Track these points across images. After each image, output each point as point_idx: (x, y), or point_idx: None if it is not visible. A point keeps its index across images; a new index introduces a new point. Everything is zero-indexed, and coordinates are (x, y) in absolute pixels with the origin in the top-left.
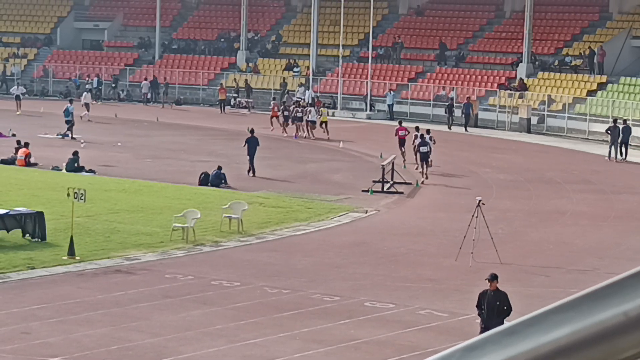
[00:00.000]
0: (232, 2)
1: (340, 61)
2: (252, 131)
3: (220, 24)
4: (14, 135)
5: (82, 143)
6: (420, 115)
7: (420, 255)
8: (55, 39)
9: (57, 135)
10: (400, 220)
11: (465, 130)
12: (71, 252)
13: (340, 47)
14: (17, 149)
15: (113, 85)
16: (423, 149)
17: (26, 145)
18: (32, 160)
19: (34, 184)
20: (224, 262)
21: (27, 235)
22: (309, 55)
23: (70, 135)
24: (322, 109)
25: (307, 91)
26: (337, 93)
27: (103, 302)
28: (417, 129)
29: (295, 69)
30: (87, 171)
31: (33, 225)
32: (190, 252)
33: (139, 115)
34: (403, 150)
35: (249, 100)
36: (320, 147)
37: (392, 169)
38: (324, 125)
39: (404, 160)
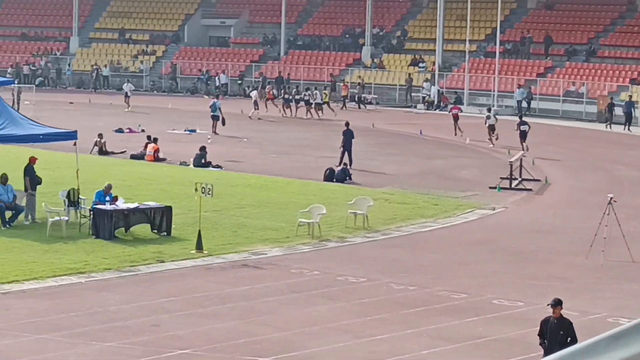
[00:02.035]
0: None
1: (467, 56)
2: (347, 124)
3: (345, 19)
4: (143, 131)
5: (209, 139)
6: (549, 111)
7: (549, 252)
8: (183, 36)
9: (185, 130)
10: (528, 218)
11: (628, 129)
12: (199, 246)
13: (467, 42)
14: (146, 145)
15: (239, 81)
16: (523, 127)
17: (155, 140)
18: (161, 155)
19: (162, 179)
20: (350, 258)
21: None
22: (434, 50)
23: (213, 130)
24: (324, 91)
25: (432, 87)
26: (463, 89)
27: (231, 295)
28: (488, 109)
29: (420, 65)
30: (214, 166)
31: (161, 219)
32: (316, 247)
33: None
34: (457, 126)
35: (374, 96)
36: (447, 143)
37: (521, 166)
38: (326, 105)
39: (458, 134)
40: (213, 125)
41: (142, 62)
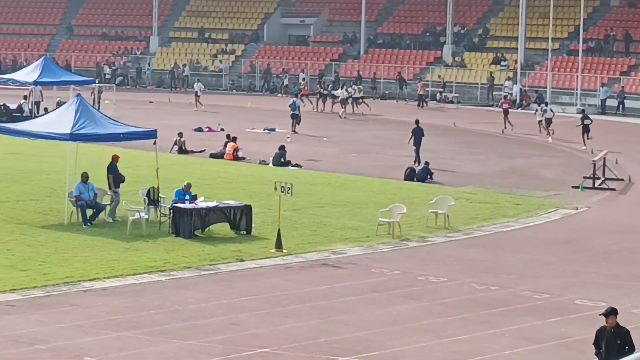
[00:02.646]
0: None
1: (550, 55)
2: (417, 122)
3: (426, 17)
4: (222, 129)
5: (288, 138)
6: (633, 110)
7: (633, 253)
8: (262, 35)
9: (265, 129)
10: (612, 217)
11: None
12: (279, 245)
13: (550, 40)
14: (225, 143)
15: (318, 80)
16: (586, 121)
17: (234, 139)
18: (240, 154)
19: (242, 178)
20: (431, 258)
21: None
22: (516, 48)
23: (293, 129)
24: (359, 86)
25: (514, 85)
26: (546, 87)
27: (310, 295)
28: (545, 104)
29: (502, 63)
30: (293, 165)
31: (240, 218)
32: (397, 247)
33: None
34: (507, 120)
35: (455, 95)
36: (529, 142)
37: (604, 165)
38: (361, 99)
39: (508, 128)
40: (292, 124)
41: (221, 61)
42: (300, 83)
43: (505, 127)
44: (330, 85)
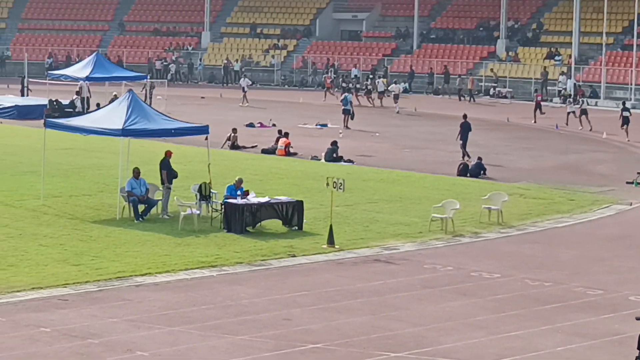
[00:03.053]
0: None
1: (604, 49)
2: (464, 116)
3: (479, 12)
4: (274, 125)
5: (340, 133)
6: None
7: None
8: (314, 30)
9: (316, 125)
10: None
11: None
12: (331, 241)
13: (604, 35)
14: (277, 139)
15: (370, 76)
16: (625, 113)
17: (286, 135)
18: (292, 150)
19: (293, 173)
20: (484, 254)
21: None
22: (570, 43)
23: (345, 124)
24: (382, 79)
25: (569, 80)
26: (600, 82)
27: (363, 290)
28: (582, 94)
29: (556, 58)
30: (345, 161)
31: (292, 213)
32: (450, 242)
33: (416, 105)
34: (538, 111)
35: (509, 89)
36: (582, 137)
37: None
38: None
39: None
40: (344, 119)
41: (273, 56)
42: (324, 76)
43: (534, 121)
44: (354, 79)
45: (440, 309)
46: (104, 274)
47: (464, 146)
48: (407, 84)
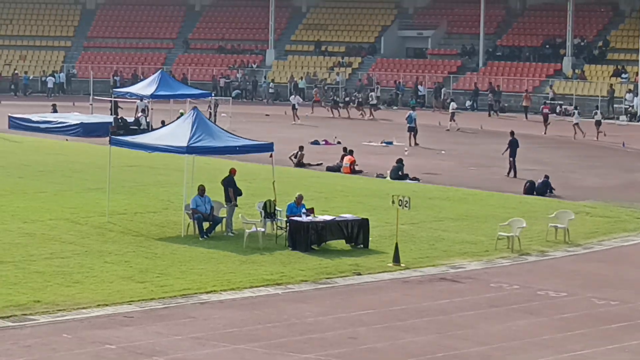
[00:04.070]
0: (557, 7)
1: None
2: (512, 133)
3: (545, 29)
4: (339, 142)
5: (405, 151)
6: None
7: None
8: (379, 48)
9: (382, 143)
10: None
11: None
12: (396, 259)
13: None
14: (342, 157)
15: (434, 94)
16: None
17: (351, 152)
18: (357, 167)
19: (359, 191)
20: (551, 272)
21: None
22: (637, 60)
23: (411, 142)
24: (373, 93)
25: (635, 98)
26: None
27: (428, 309)
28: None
29: (623, 76)
30: (411, 179)
31: (357, 231)
32: (516, 261)
33: (462, 123)
34: (547, 124)
35: (575, 107)
36: None
37: None
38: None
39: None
40: (410, 137)
41: (337, 73)
42: (314, 90)
43: (545, 132)
44: (343, 93)
45: (507, 328)
46: (169, 291)
47: (513, 162)
48: (471, 102)
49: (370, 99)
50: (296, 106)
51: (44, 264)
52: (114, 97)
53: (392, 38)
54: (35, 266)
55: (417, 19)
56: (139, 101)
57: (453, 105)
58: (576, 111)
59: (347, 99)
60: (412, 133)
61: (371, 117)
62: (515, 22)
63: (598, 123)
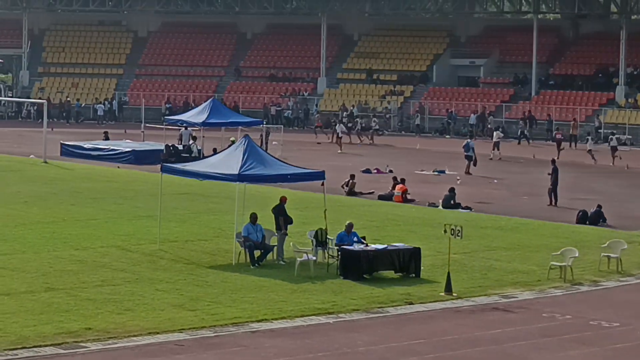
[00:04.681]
0: (610, 36)
1: None
2: (553, 161)
3: (597, 58)
4: (390, 171)
5: (457, 180)
6: None
7: None
8: (431, 76)
9: (434, 171)
10: None
11: None
12: (448, 289)
13: None
14: (394, 185)
15: (477, 122)
16: None
17: (403, 181)
18: (409, 196)
19: (410, 220)
20: (603, 302)
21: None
22: None
23: (467, 170)
24: (375, 119)
25: None
26: None
27: (480, 339)
28: (612, 133)
29: None
30: (463, 208)
31: (409, 260)
32: (568, 291)
33: (514, 152)
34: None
35: (628, 136)
36: None
37: None
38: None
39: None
40: (467, 165)
41: (389, 102)
42: (316, 115)
43: (558, 157)
44: (345, 120)
45: (559, 358)
46: (220, 319)
47: (554, 190)
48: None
49: (374, 124)
50: (340, 134)
51: (95, 291)
52: (165, 125)
53: (444, 66)
54: (86, 293)
55: (469, 47)
56: (183, 129)
57: (498, 134)
58: (614, 137)
59: (350, 124)
60: (470, 162)
61: (371, 141)
62: (568, 51)
63: (614, 149)
